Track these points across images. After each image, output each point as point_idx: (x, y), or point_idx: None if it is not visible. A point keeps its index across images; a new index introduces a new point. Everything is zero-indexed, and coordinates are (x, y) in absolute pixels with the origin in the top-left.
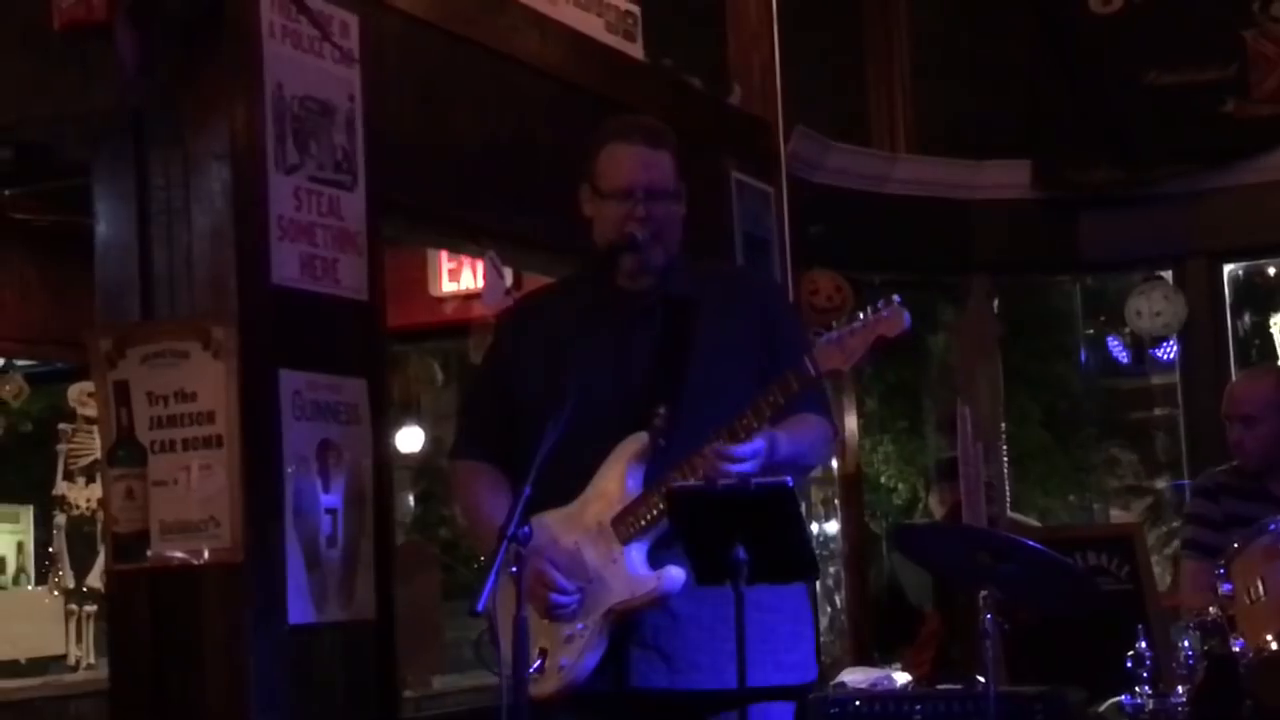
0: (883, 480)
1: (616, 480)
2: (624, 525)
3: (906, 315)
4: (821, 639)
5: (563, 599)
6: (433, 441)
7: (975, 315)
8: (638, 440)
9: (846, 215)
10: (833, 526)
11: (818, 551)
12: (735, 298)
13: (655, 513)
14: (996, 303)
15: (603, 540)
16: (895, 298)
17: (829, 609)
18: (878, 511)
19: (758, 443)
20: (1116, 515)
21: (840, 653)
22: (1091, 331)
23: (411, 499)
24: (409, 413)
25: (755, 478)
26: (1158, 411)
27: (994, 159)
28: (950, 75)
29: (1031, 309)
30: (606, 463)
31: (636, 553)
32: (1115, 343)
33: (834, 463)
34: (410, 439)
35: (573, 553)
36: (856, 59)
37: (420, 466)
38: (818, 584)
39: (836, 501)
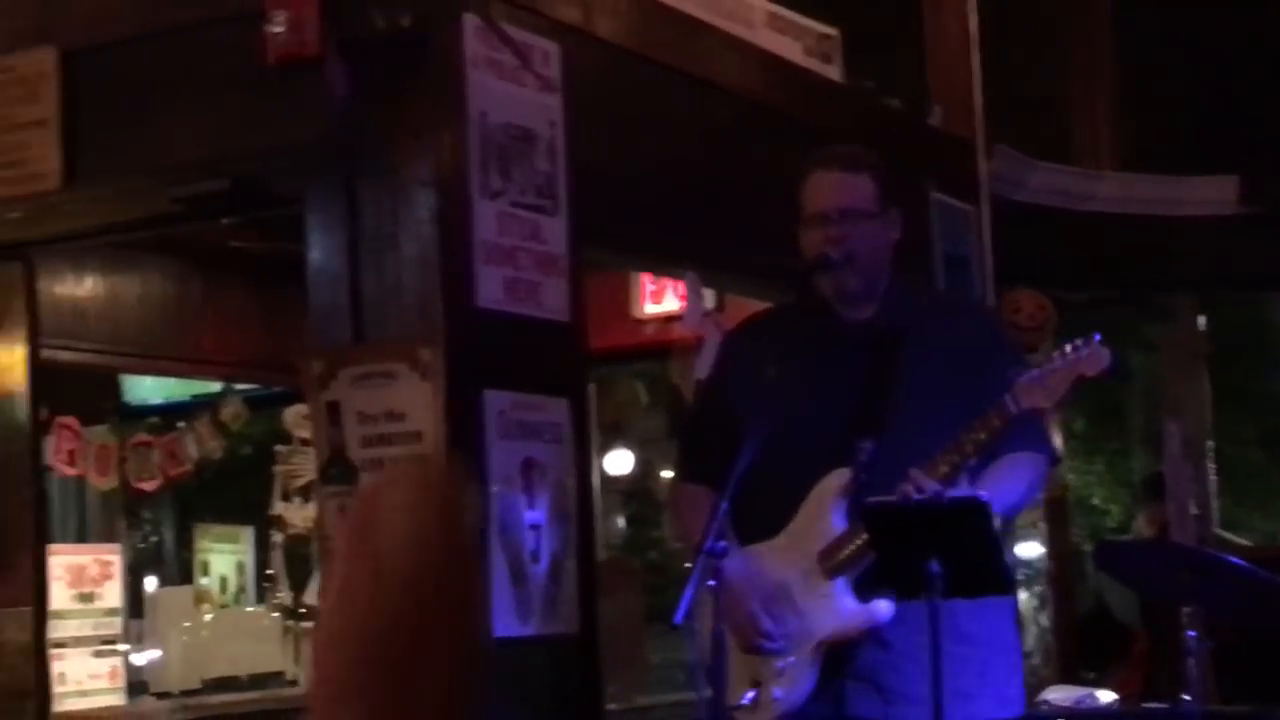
0: (1095, 501)
1: (821, 516)
2: (830, 560)
3: (1107, 354)
4: (1025, 657)
5: (769, 645)
6: (641, 464)
7: (1181, 332)
8: (840, 476)
9: (1049, 233)
10: (1034, 548)
11: (1024, 572)
12: (951, 330)
13: (860, 547)
14: (1203, 320)
15: (810, 575)
16: (1095, 336)
17: (1034, 628)
18: (1090, 532)
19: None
20: None
21: (1046, 672)
22: None
23: (622, 521)
24: (617, 435)
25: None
26: None
27: (1200, 174)
28: (1155, 91)
29: (1245, 326)
30: (810, 498)
31: (843, 587)
32: None
33: None
34: (619, 462)
35: (781, 587)
36: (1059, 76)
37: (630, 489)
38: (1020, 604)
39: (1041, 523)
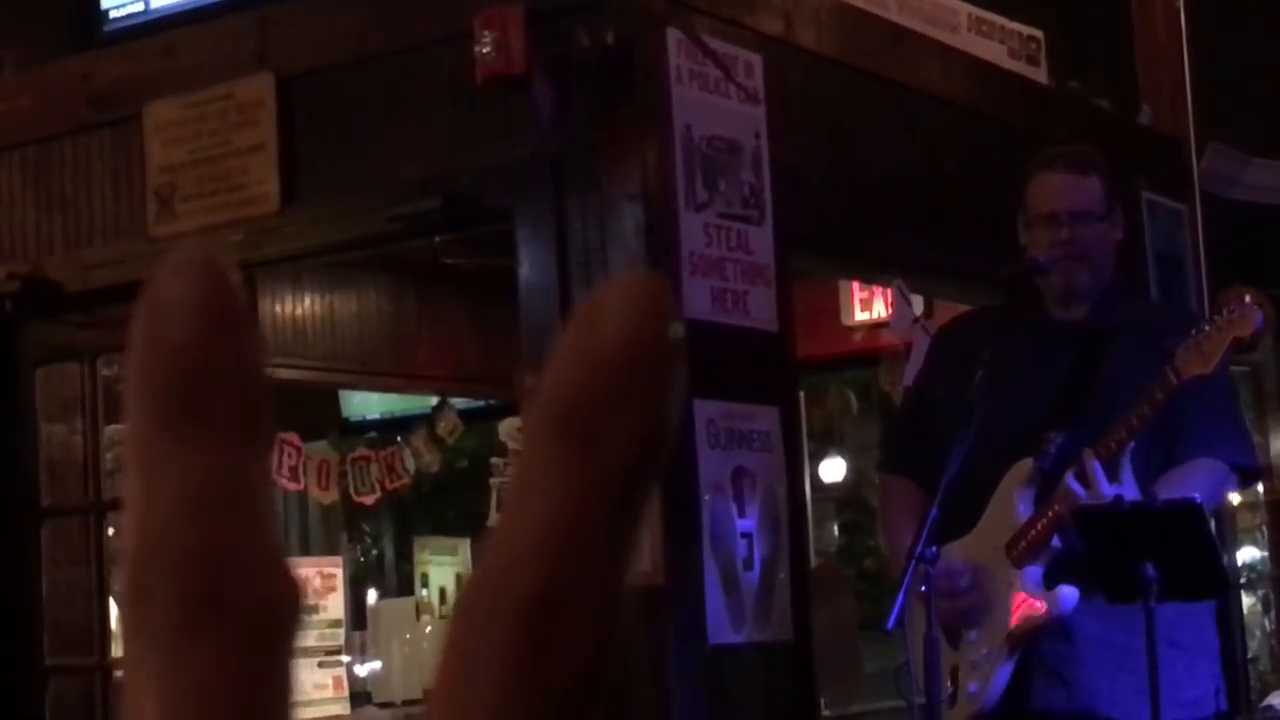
0: None
1: (1008, 506)
2: (1016, 549)
3: (1259, 315)
4: (1251, 662)
5: (961, 603)
6: (854, 472)
7: None
8: (1025, 465)
9: (1265, 230)
10: (1252, 552)
11: (1247, 575)
12: (1155, 334)
13: (1042, 532)
14: None
15: (999, 566)
16: (1246, 297)
17: (1257, 633)
18: None
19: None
20: None
21: (1273, 677)
22: None
23: (836, 529)
24: (830, 443)
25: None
26: None
27: None
28: None
29: None
30: (999, 489)
31: (1030, 575)
32: None
33: (1259, 486)
34: (833, 469)
35: (974, 579)
36: (1274, 69)
37: (844, 497)
38: (1245, 609)
39: (1264, 525)
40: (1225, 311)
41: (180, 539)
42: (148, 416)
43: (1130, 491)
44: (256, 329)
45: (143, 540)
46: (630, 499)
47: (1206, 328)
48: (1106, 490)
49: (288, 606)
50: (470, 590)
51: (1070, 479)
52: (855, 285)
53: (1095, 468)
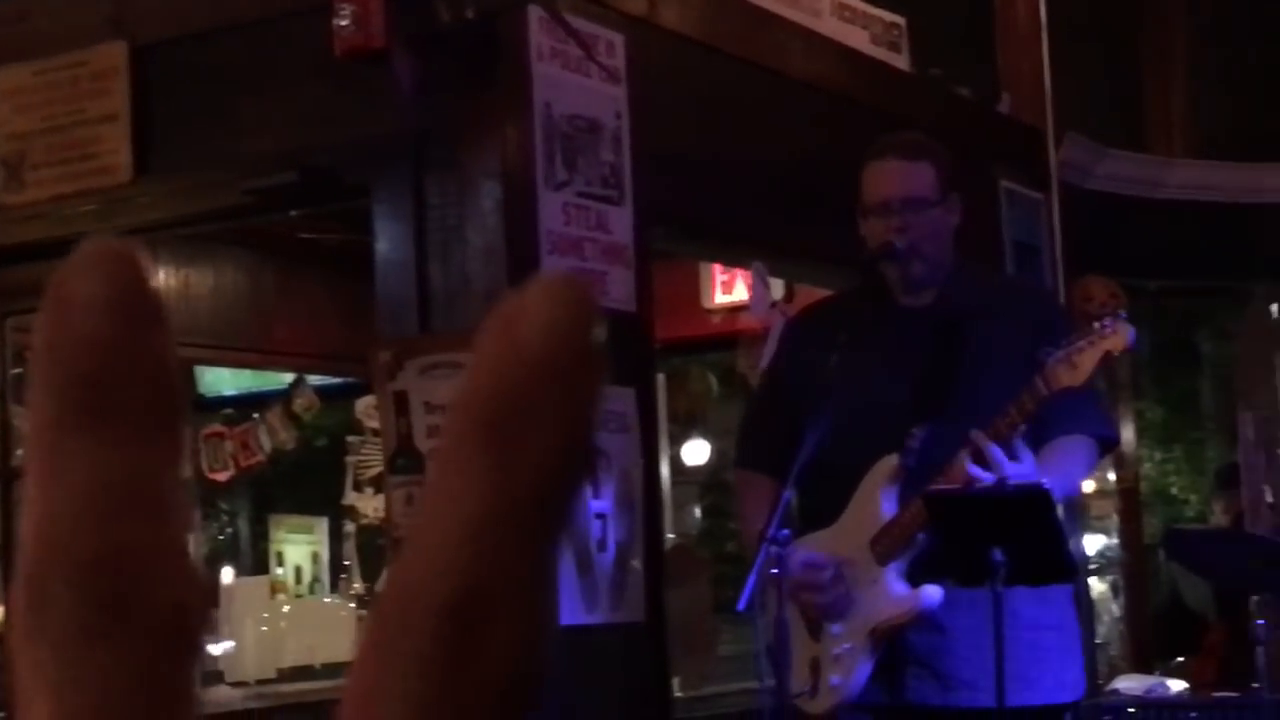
0: (1174, 491)
1: (872, 502)
2: (881, 546)
3: (1131, 331)
4: (1100, 647)
5: (821, 598)
6: (717, 454)
7: (1256, 321)
8: (889, 463)
9: (1120, 221)
10: (1107, 538)
11: (1098, 561)
12: (1011, 315)
13: (906, 531)
14: (1276, 307)
15: (862, 562)
16: (1121, 314)
17: (1106, 618)
18: (1169, 522)
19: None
20: None
21: (1119, 661)
22: None
23: (699, 511)
24: (694, 426)
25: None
26: None
27: (1273, 161)
28: (1228, 78)
29: None
30: (862, 486)
31: (894, 573)
32: None
33: (1111, 475)
34: (696, 452)
35: (836, 569)
36: (1132, 63)
37: (707, 480)
38: (1094, 593)
39: (1114, 513)
40: (1099, 326)
41: (84, 540)
42: (52, 412)
43: (1029, 467)
44: (167, 323)
45: (43, 540)
46: (552, 504)
47: (1081, 342)
48: (1009, 470)
49: (195, 610)
50: (388, 594)
51: (969, 465)
52: (716, 268)
53: (994, 449)
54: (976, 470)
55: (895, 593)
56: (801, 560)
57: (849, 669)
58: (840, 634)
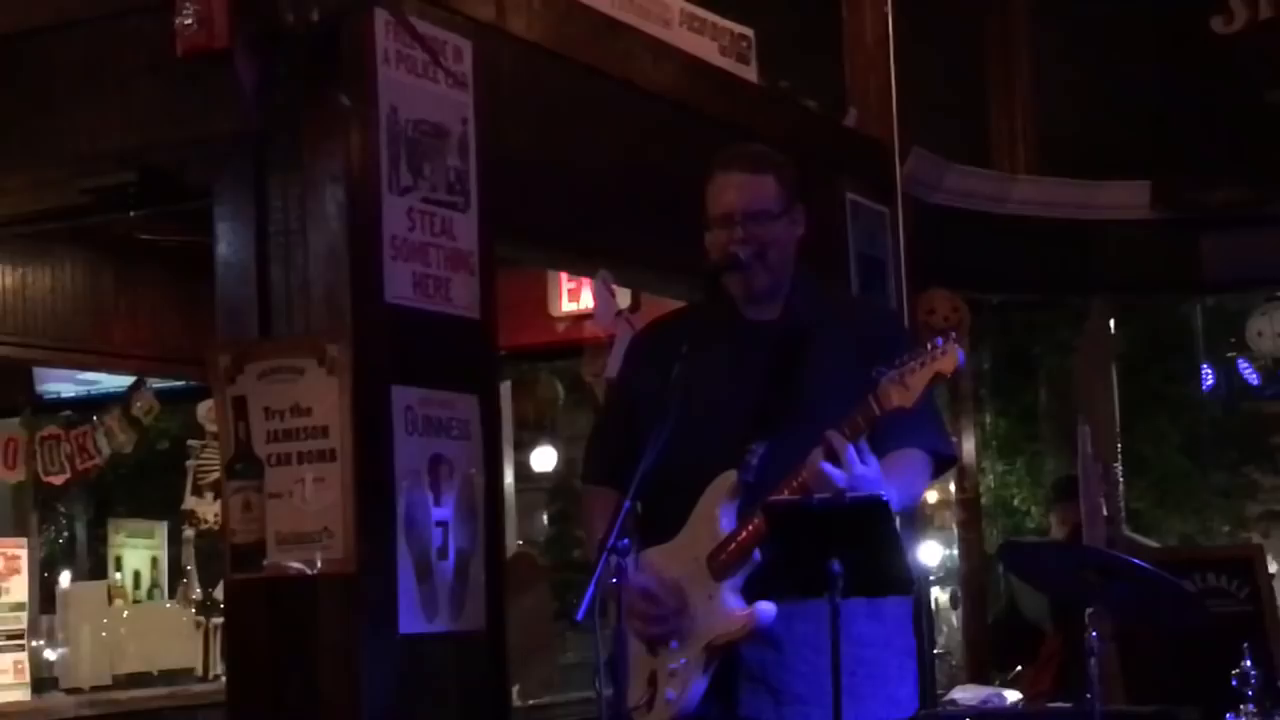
0: (1015, 503)
1: (710, 518)
2: (717, 562)
3: (961, 353)
4: (940, 657)
5: (656, 629)
6: (564, 462)
7: (1094, 335)
8: (727, 479)
9: (964, 235)
10: (943, 549)
11: (937, 573)
12: (853, 332)
13: (743, 548)
14: (1112, 322)
15: (699, 577)
16: (952, 334)
17: (946, 628)
18: (1011, 533)
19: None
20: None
21: (958, 671)
22: (1232, 354)
23: (545, 518)
24: (541, 432)
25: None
26: None
27: (1115, 179)
28: (1071, 95)
29: (1165, 331)
30: (701, 501)
31: (730, 588)
32: (1246, 365)
33: (952, 486)
34: (543, 459)
35: (674, 588)
36: (977, 80)
37: (554, 486)
38: (934, 603)
39: (954, 525)
40: (930, 347)
41: None
42: None
43: (875, 472)
44: None
45: None
46: None
47: (912, 362)
48: (860, 471)
49: None
50: None
51: (823, 463)
52: (564, 276)
53: (849, 449)
54: (829, 467)
55: (730, 609)
56: (640, 589)
57: (684, 684)
58: (676, 649)
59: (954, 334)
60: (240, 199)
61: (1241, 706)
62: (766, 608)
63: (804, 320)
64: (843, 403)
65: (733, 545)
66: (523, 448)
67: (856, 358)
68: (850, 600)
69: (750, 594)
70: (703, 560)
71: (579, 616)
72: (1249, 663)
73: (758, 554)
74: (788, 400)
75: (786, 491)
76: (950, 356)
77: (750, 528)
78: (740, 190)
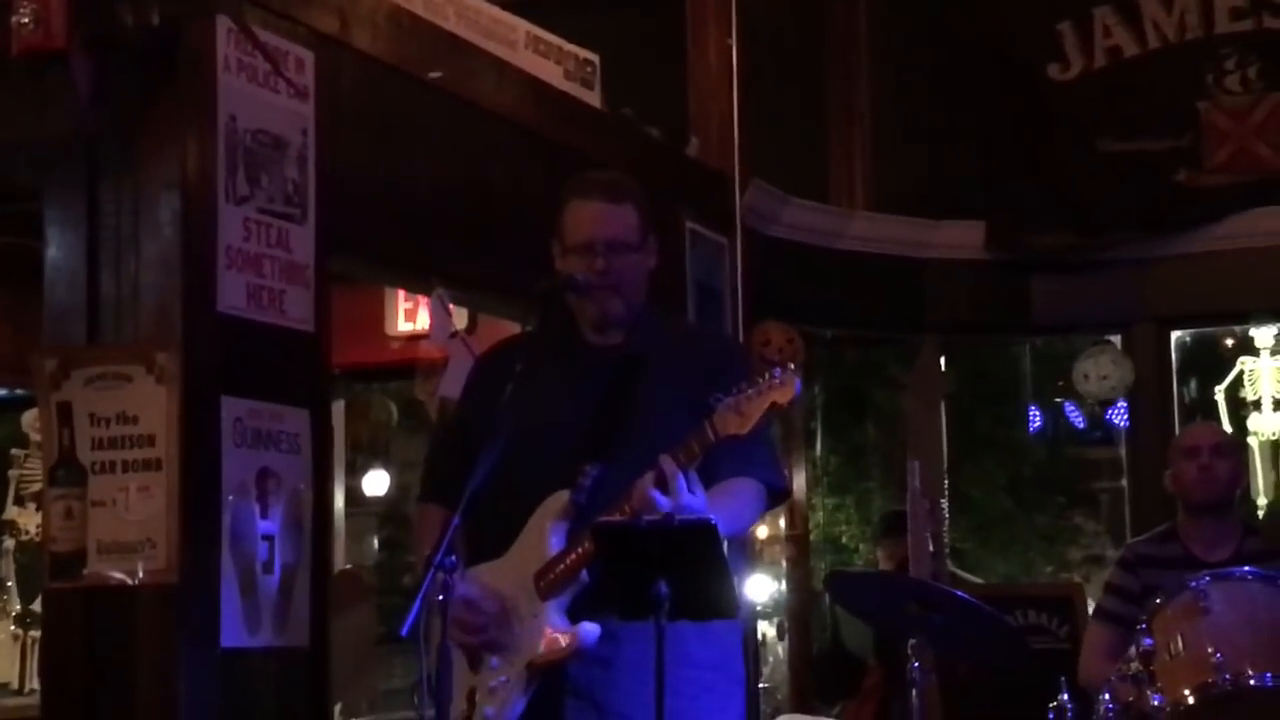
0: (844, 540)
1: (540, 538)
2: (544, 582)
3: (798, 383)
4: (767, 691)
5: (476, 638)
6: (397, 487)
7: (924, 372)
8: (559, 499)
9: (800, 269)
10: (771, 583)
11: (765, 606)
12: (689, 358)
13: (570, 568)
14: (943, 360)
15: (524, 596)
16: (790, 365)
17: (771, 659)
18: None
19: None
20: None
21: (783, 704)
22: (1059, 399)
23: (376, 542)
24: (374, 456)
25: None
26: (1123, 481)
27: (950, 219)
28: (909, 136)
29: (993, 373)
30: (531, 520)
31: (555, 608)
32: (1073, 409)
33: (781, 521)
34: (376, 482)
35: (498, 605)
36: (817, 117)
37: (386, 511)
38: (760, 636)
39: (783, 560)
40: (767, 376)
41: None
42: None
43: (702, 502)
44: None
45: None
46: None
47: (748, 390)
48: (686, 500)
49: None
50: None
51: (650, 489)
52: (401, 295)
53: (679, 477)
54: (657, 494)
55: (554, 628)
56: (462, 598)
57: (504, 702)
58: (498, 667)
59: (792, 366)
60: (71, 203)
61: None
62: (590, 628)
63: (645, 347)
64: (679, 429)
65: (561, 565)
66: (355, 471)
67: (695, 386)
68: (681, 623)
69: (576, 615)
70: (529, 579)
71: (404, 632)
72: (1066, 696)
73: (585, 575)
74: (624, 424)
75: (617, 515)
76: (788, 386)
77: (580, 549)
78: (601, 221)
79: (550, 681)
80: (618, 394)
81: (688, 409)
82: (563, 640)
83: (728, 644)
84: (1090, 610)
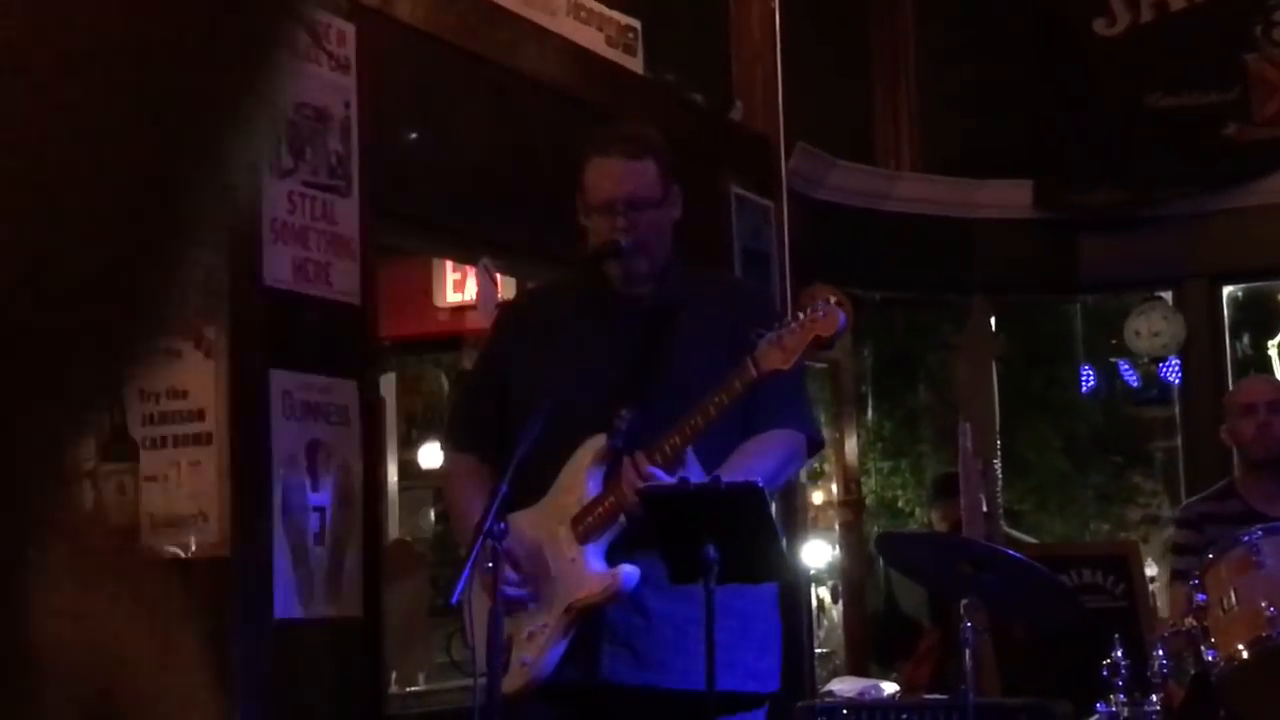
0: (900, 504)
1: (577, 482)
2: (582, 525)
3: (842, 316)
4: (820, 652)
5: (512, 591)
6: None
7: (974, 333)
8: (597, 442)
9: (847, 231)
10: (826, 548)
11: (819, 570)
12: (718, 304)
13: (608, 511)
14: (993, 321)
15: (563, 539)
16: (831, 298)
17: (826, 624)
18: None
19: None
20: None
21: (840, 667)
22: (1112, 358)
23: (433, 515)
24: (429, 429)
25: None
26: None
27: (997, 179)
28: (955, 95)
29: (1035, 331)
30: (569, 464)
31: (594, 552)
32: (1127, 367)
33: (834, 486)
34: (431, 456)
35: (535, 551)
36: (863, 78)
37: (442, 484)
38: (816, 600)
39: (838, 526)
40: (809, 310)
41: None
42: None
43: (695, 475)
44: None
45: None
46: None
47: (791, 324)
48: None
49: None
50: None
51: (629, 475)
52: (449, 266)
53: (656, 474)
54: (658, 471)
55: (593, 572)
56: (501, 551)
57: (541, 648)
58: (535, 611)
59: (834, 299)
60: None
61: (1111, 696)
62: (630, 571)
63: (674, 296)
64: (713, 374)
65: (600, 509)
66: (410, 444)
67: (726, 329)
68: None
69: (614, 558)
70: (567, 523)
71: (454, 600)
72: (1120, 653)
73: (623, 519)
74: (657, 370)
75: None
76: (831, 319)
77: (617, 492)
78: (622, 178)
79: (588, 628)
80: (650, 342)
81: (721, 354)
82: (602, 583)
83: (764, 597)
84: (1149, 572)
